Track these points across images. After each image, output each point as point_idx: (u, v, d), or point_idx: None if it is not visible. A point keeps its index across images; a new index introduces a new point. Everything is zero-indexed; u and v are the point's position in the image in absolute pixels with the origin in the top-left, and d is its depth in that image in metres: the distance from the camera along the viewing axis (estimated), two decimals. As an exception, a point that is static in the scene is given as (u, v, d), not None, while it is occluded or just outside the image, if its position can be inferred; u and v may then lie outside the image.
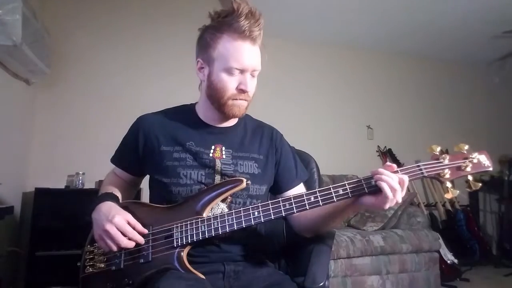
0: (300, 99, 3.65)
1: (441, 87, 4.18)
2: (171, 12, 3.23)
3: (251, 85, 0.98)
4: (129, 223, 0.89)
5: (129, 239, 0.88)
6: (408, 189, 3.44)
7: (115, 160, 1.12)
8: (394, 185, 0.82)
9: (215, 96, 0.98)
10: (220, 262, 0.96)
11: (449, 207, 3.64)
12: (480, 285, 2.99)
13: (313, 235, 1.06)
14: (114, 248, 0.87)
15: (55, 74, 2.70)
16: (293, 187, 1.08)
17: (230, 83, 0.95)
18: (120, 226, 0.87)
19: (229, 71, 0.95)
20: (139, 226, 0.90)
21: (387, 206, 0.84)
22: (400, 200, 0.84)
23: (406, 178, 0.85)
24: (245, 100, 0.99)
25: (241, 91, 0.96)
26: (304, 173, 1.13)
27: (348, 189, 0.87)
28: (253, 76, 0.99)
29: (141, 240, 0.89)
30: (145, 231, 0.90)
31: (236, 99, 0.97)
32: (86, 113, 2.91)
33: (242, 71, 0.95)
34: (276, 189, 1.09)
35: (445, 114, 4.11)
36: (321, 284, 0.96)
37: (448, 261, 2.95)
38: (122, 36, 3.08)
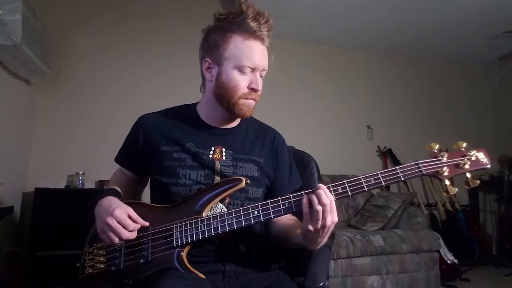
0: (300, 99, 3.65)
1: (441, 87, 4.18)
2: (171, 12, 3.23)
3: (261, 84, 0.98)
4: (130, 217, 0.89)
5: (131, 231, 0.88)
6: (408, 189, 3.38)
7: (119, 159, 1.12)
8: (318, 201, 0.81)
9: (225, 95, 0.97)
10: (220, 262, 0.96)
11: (449, 207, 3.63)
12: (480, 285, 2.98)
13: (278, 247, 1.07)
14: (116, 240, 0.87)
15: (55, 74, 2.71)
16: (283, 194, 1.07)
17: (241, 82, 0.95)
18: (120, 219, 0.87)
19: (241, 69, 0.95)
20: (140, 220, 0.90)
21: (309, 227, 0.82)
22: (319, 224, 0.81)
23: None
24: (254, 100, 0.99)
25: (252, 90, 0.96)
26: (297, 181, 1.12)
27: (347, 187, 0.87)
28: (261, 76, 0.99)
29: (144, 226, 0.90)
30: (146, 223, 0.91)
31: (247, 99, 0.97)
32: (86, 113, 2.91)
33: (253, 70, 0.96)
34: (267, 194, 1.08)
35: (445, 114, 4.11)
36: (321, 284, 0.96)
37: (448, 261, 2.95)
38: (122, 35, 3.08)
